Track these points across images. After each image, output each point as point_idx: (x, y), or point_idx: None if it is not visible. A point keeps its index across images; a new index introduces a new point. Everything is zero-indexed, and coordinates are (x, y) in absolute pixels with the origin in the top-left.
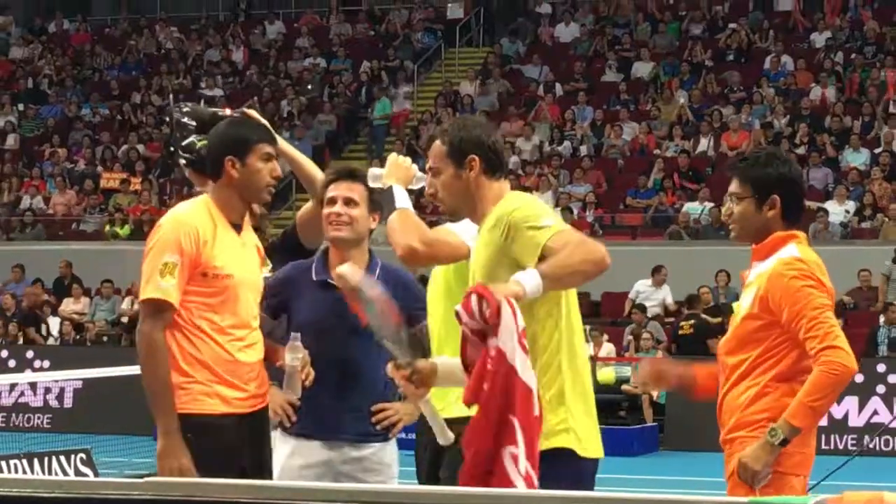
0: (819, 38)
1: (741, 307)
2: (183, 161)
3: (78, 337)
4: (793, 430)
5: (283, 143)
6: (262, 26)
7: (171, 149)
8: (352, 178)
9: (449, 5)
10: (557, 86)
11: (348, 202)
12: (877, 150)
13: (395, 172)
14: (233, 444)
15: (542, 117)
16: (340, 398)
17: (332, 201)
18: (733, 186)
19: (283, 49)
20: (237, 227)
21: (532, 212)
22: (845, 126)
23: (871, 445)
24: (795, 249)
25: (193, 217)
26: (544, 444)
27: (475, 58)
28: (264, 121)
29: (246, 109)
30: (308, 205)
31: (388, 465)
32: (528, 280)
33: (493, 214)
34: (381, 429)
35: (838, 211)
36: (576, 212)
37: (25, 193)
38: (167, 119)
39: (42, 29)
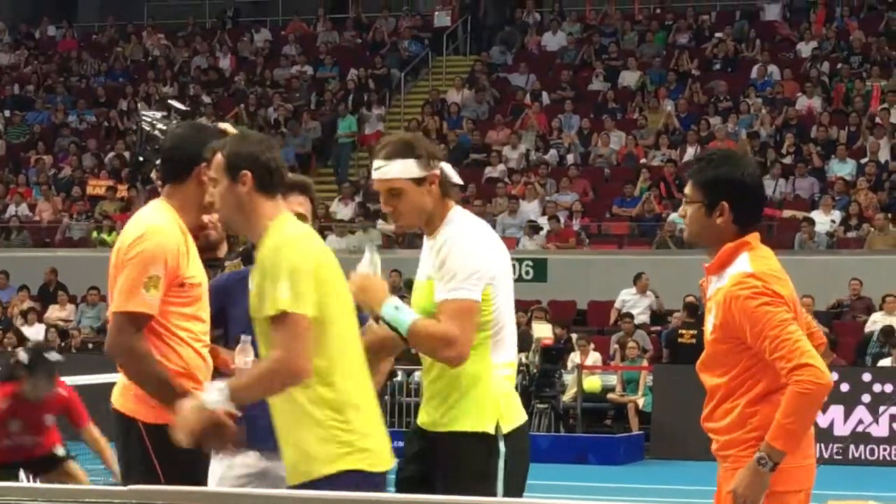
0: (805, 48)
1: (708, 326)
2: (159, 180)
3: (63, 344)
4: (777, 453)
5: None
6: (250, 33)
7: (140, 158)
8: (301, 192)
9: (436, 13)
10: (544, 94)
11: (300, 218)
12: (863, 161)
13: (374, 297)
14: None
15: (528, 126)
16: None
17: None
18: (687, 188)
19: (271, 56)
20: (190, 232)
21: (280, 268)
22: (831, 136)
23: (856, 454)
24: (747, 262)
25: (172, 228)
26: (329, 467)
27: (462, 66)
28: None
29: (223, 125)
30: None
31: None
32: (213, 400)
33: (261, 252)
34: None
35: (824, 221)
36: (562, 220)
37: (11, 200)
38: (134, 127)
39: (28, 35)
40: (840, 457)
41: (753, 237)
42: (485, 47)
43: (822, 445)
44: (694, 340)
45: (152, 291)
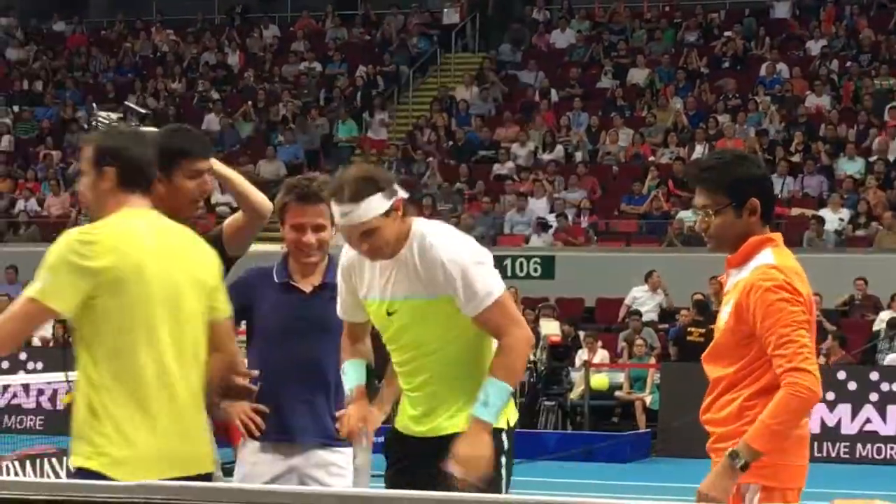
0: (815, 46)
1: (721, 318)
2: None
3: (70, 338)
4: (753, 453)
5: (220, 167)
6: (258, 30)
7: None
8: (318, 202)
9: (445, 10)
10: (553, 91)
11: (317, 228)
12: (871, 159)
13: (479, 457)
14: None
15: (539, 125)
16: (306, 401)
17: (301, 228)
18: (703, 198)
19: (279, 53)
20: None
21: (49, 259)
22: (840, 134)
23: (863, 453)
24: (771, 256)
25: None
26: (77, 462)
27: (471, 63)
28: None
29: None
30: (237, 215)
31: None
32: None
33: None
34: (345, 435)
35: (833, 219)
36: (570, 218)
37: (20, 195)
38: (85, 126)
39: (37, 31)
40: (847, 455)
41: (777, 235)
42: (493, 44)
43: (830, 444)
44: (702, 339)
45: None
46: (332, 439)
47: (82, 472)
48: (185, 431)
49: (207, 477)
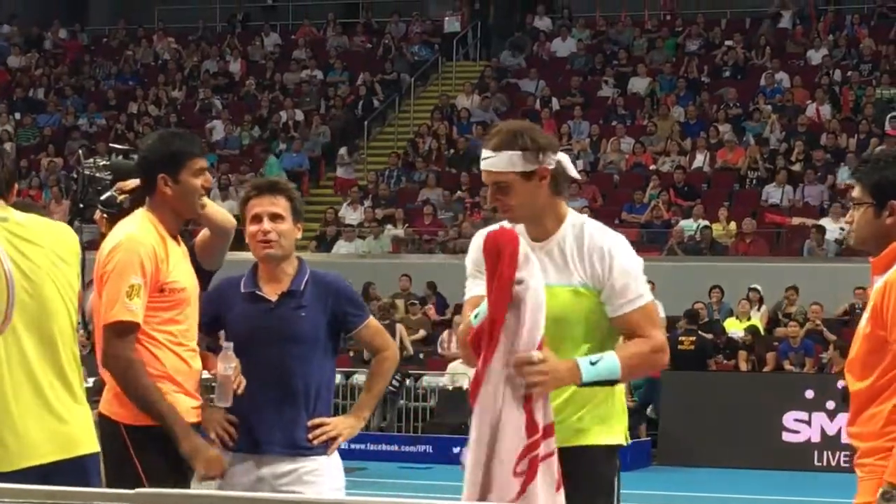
0: (815, 56)
1: (860, 326)
2: (105, 215)
3: None
4: None
5: None
6: (260, 38)
7: (81, 205)
8: (273, 192)
9: (446, 19)
10: (554, 100)
11: (274, 217)
12: None
13: (563, 375)
14: None
15: None
16: (273, 411)
17: (257, 218)
18: (855, 191)
19: (281, 60)
20: (174, 238)
21: None
22: (840, 144)
23: None
24: None
25: (147, 236)
26: None
27: (472, 71)
28: None
29: None
30: (205, 232)
31: (326, 476)
32: None
33: None
34: (319, 444)
35: (833, 228)
36: None
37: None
38: (74, 176)
39: (39, 38)
40: (847, 465)
41: None
42: (494, 53)
43: (830, 453)
44: (693, 347)
45: (135, 300)
46: (302, 448)
47: None
48: (58, 414)
49: (95, 457)
